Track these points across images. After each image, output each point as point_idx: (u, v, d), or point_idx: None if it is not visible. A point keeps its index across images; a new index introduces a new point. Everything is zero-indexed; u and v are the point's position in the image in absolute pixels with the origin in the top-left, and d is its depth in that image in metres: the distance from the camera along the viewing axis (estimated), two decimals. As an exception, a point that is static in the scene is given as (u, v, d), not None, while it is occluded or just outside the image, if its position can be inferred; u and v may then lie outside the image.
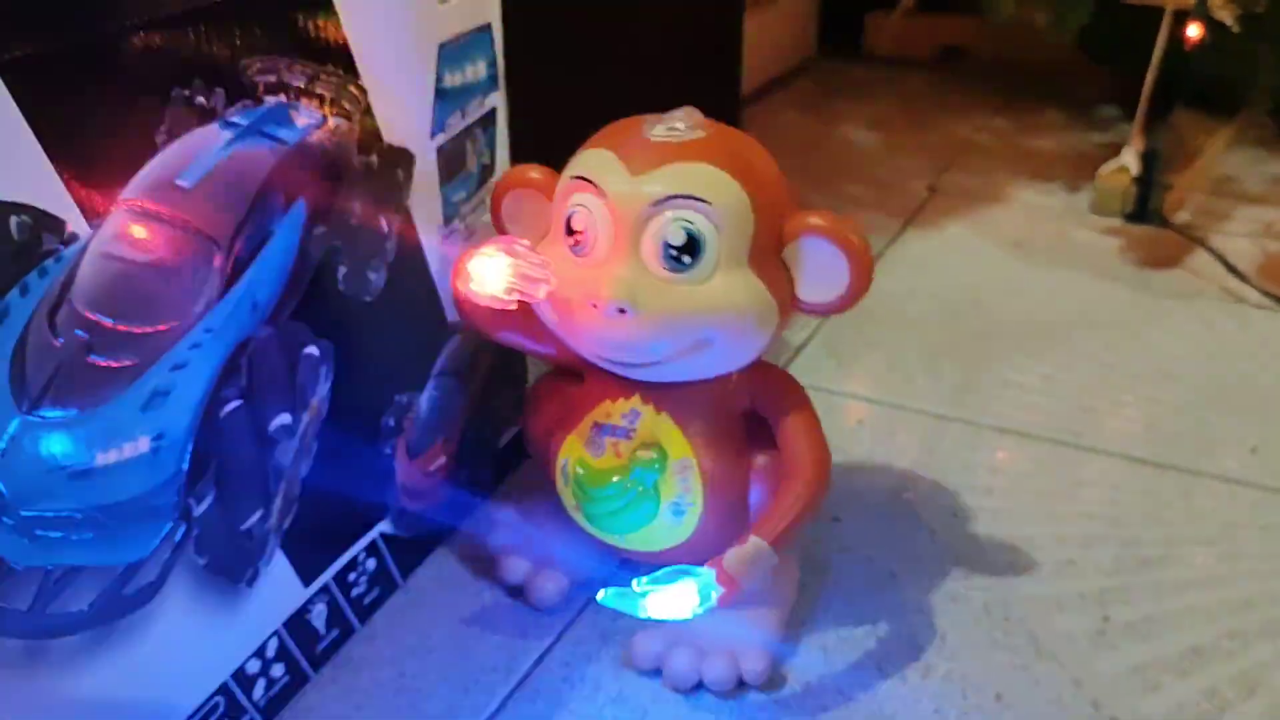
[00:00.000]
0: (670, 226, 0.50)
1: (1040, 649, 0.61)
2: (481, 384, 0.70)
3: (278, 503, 0.55)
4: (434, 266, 0.63)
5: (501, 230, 0.60)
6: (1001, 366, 0.87)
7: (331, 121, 0.53)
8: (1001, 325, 0.93)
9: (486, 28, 0.63)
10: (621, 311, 0.51)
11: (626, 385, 0.57)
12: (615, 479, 0.56)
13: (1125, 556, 0.67)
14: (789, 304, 0.53)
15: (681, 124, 0.53)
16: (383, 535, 0.63)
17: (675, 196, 0.50)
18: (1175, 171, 1.14)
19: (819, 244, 0.51)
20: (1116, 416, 0.80)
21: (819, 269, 0.52)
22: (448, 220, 0.63)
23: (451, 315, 0.65)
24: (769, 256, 0.52)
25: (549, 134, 0.70)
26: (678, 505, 0.56)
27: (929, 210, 1.16)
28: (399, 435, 0.63)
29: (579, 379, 0.60)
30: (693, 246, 0.50)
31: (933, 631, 0.62)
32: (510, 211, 0.60)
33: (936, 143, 1.34)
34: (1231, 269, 0.98)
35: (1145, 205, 1.03)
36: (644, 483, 0.56)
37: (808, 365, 0.88)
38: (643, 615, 0.54)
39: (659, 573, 0.53)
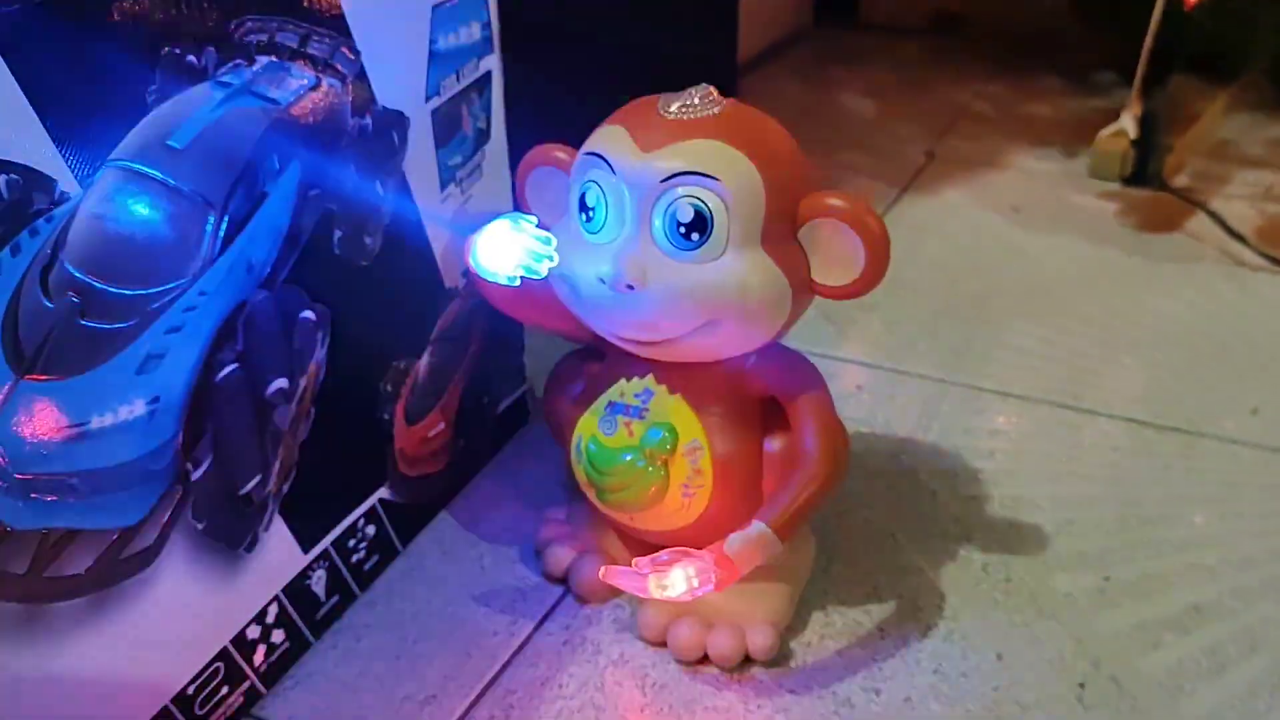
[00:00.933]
0: (679, 203, 0.49)
1: (1041, 608, 0.61)
2: (478, 351, 0.70)
3: (276, 468, 0.54)
4: (430, 231, 0.62)
5: (525, 208, 0.60)
6: (1001, 330, 0.87)
7: (324, 83, 0.53)
8: (1000, 289, 0.93)
9: (480, -11, 0.63)
10: (630, 288, 0.50)
11: (641, 365, 0.56)
12: (626, 458, 0.56)
13: (1126, 517, 0.67)
14: (804, 286, 0.52)
15: (697, 100, 0.52)
16: (382, 501, 0.63)
17: (684, 173, 0.49)
18: (1173, 136, 1.13)
19: (835, 227, 0.50)
20: (1116, 379, 0.80)
21: (835, 252, 0.51)
22: (444, 185, 0.63)
23: (448, 281, 0.65)
24: (784, 237, 0.51)
25: (545, 100, 0.70)
26: (687, 486, 0.55)
27: (926, 176, 1.15)
28: (397, 401, 0.63)
29: (599, 358, 0.60)
30: (702, 224, 0.49)
31: (933, 592, 0.62)
32: (535, 189, 0.60)
33: (933, 109, 1.33)
34: (1230, 231, 0.97)
35: (1144, 168, 1.02)
36: (654, 462, 0.55)
37: (805, 331, 0.87)
38: (643, 595, 0.54)
39: (660, 553, 0.53)
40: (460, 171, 0.64)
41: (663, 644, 0.58)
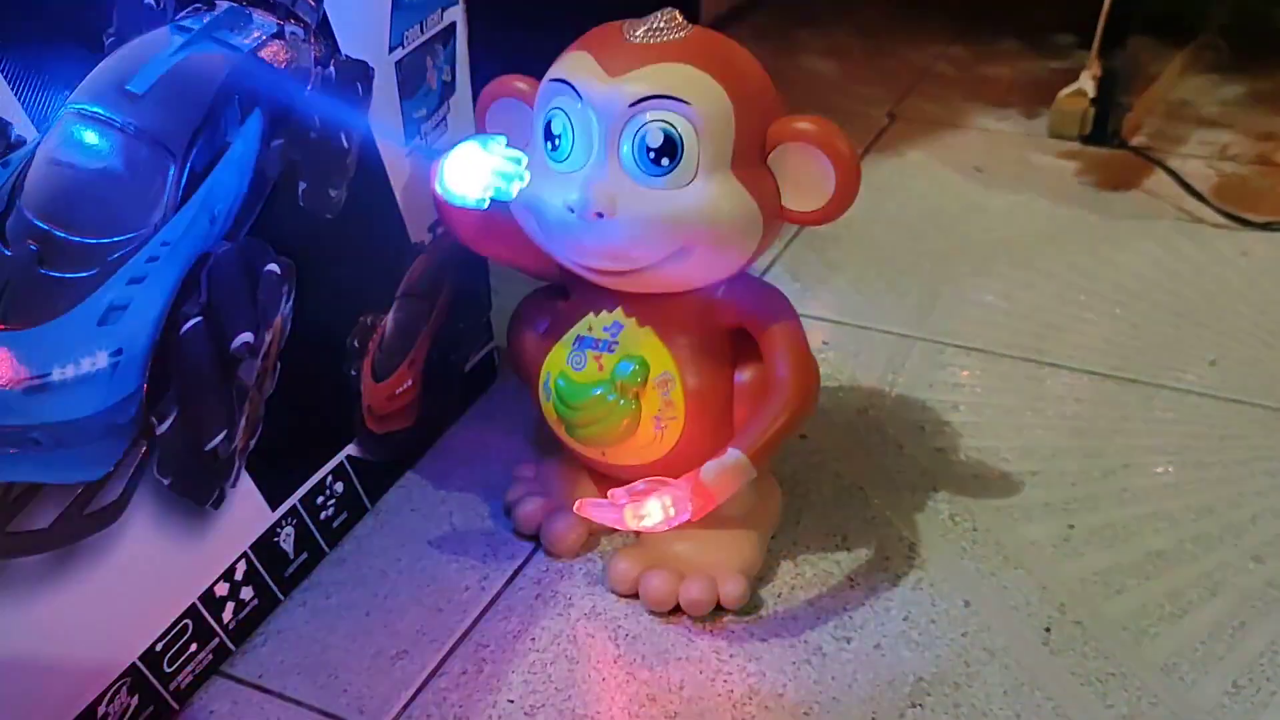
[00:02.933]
0: (648, 128, 0.49)
1: (1007, 557, 0.61)
2: (445, 307, 0.69)
3: (242, 423, 0.54)
4: (396, 184, 0.61)
5: None
6: (964, 286, 0.87)
7: (287, 31, 0.52)
8: (963, 246, 0.93)
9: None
10: (599, 216, 0.50)
11: (609, 298, 0.56)
12: (596, 392, 0.56)
13: (1089, 467, 0.68)
14: (775, 212, 0.52)
15: (663, 24, 0.51)
16: (350, 458, 0.63)
17: (653, 97, 0.49)
18: (1132, 96, 1.14)
19: (804, 150, 0.50)
20: (1078, 333, 0.81)
21: (805, 176, 0.50)
22: (409, 137, 0.62)
23: (414, 235, 0.64)
24: (753, 162, 0.50)
25: (510, 54, 0.68)
26: (659, 418, 0.55)
27: (889, 137, 1.15)
28: (364, 357, 0.62)
29: (564, 294, 0.59)
30: (671, 149, 0.49)
31: (901, 543, 0.62)
32: (495, 122, 0.58)
33: (895, 71, 1.33)
34: (1189, 188, 0.98)
35: (1103, 127, 1.03)
36: (624, 399, 0.55)
37: (772, 289, 0.88)
38: (619, 527, 0.54)
39: (636, 484, 0.53)
40: (425, 124, 0.63)
41: (634, 596, 0.58)
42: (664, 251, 0.51)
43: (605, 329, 0.56)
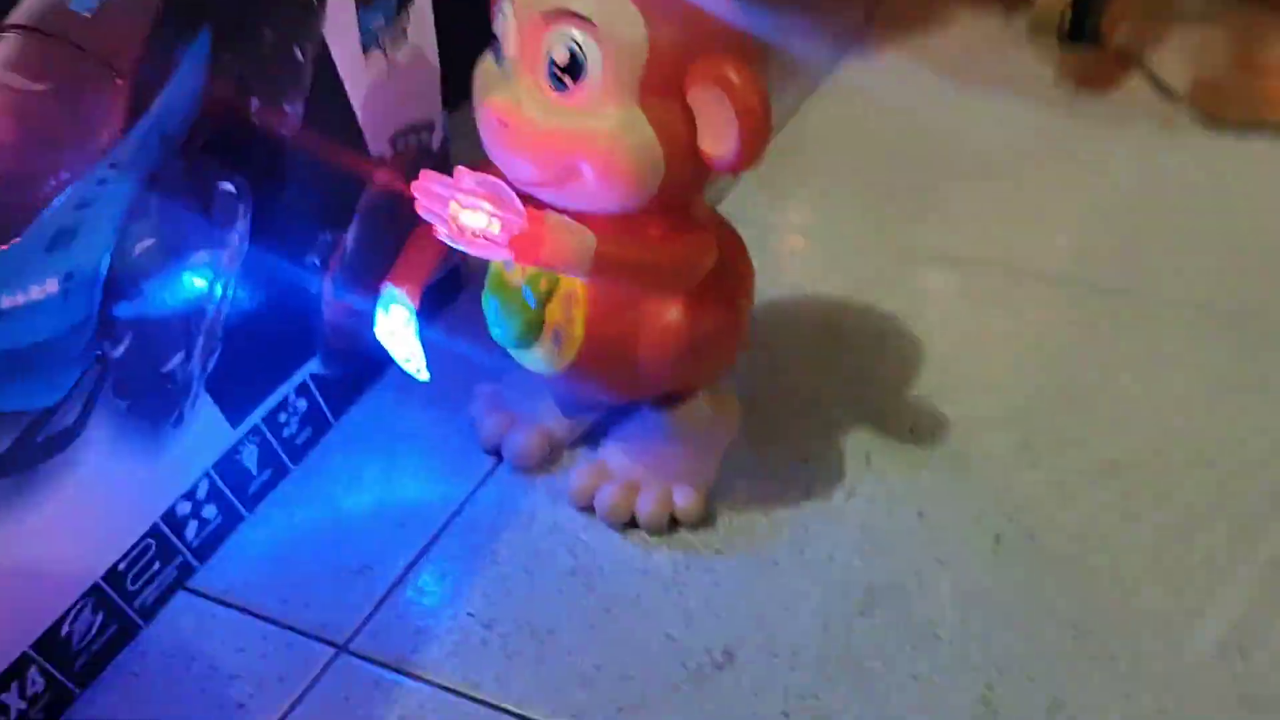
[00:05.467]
0: (556, 43, 0.48)
1: (962, 467, 0.62)
2: (409, 217, 0.68)
3: (199, 343, 0.54)
4: (354, 98, 0.61)
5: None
6: (935, 196, 0.87)
7: (230, -58, 0.51)
8: (936, 155, 0.93)
9: None
10: (503, 125, 0.49)
11: (544, 208, 0.55)
12: (512, 296, 0.56)
13: (1051, 378, 0.69)
14: (685, 151, 0.49)
15: None
16: (313, 376, 0.63)
17: (564, 12, 0.47)
18: (1112, -3, 1.12)
19: (714, 95, 0.48)
20: (1048, 243, 0.81)
21: (714, 122, 0.48)
22: (366, 49, 0.61)
23: (374, 148, 0.64)
24: (669, 96, 0.48)
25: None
26: (558, 332, 0.55)
27: (866, 40, 1.13)
28: (325, 273, 0.62)
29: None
30: (575, 67, 0.48)
31: (860, 455, 0.63)
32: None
33: (876, -32, 1.30)
34: (1164, 90, 0.97)
35: (1081, 26, 1.01)
36: (530, 303, 0.55)
37: (741, 198, 0.87)
38: (439, 213, 0.49)
39: (481, 178, 0.48)
40: (384, 35, 0.62)
41: (591, 509, 0.59)
42: (553, 169, 0.50)
43: None
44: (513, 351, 0.58)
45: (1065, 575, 0.56)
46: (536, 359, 0.57)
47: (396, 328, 0.57)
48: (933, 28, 1.15)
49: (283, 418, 0.61)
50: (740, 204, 0.86)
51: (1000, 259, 0.79)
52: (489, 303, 0.58)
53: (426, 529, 0.59)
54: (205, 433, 0.56)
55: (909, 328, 0.73)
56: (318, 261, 0.61)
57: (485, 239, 0.48)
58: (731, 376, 0.65)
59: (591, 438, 0.64)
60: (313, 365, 0.63)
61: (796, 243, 0.82)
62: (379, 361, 0.69)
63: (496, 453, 0.63)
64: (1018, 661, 0.52)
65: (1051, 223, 0.83)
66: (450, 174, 0.49)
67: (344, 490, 0.62)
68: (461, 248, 0.49)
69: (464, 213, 0.48)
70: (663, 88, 0.48)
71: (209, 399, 0.55)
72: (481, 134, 0.53)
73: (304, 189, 0.59)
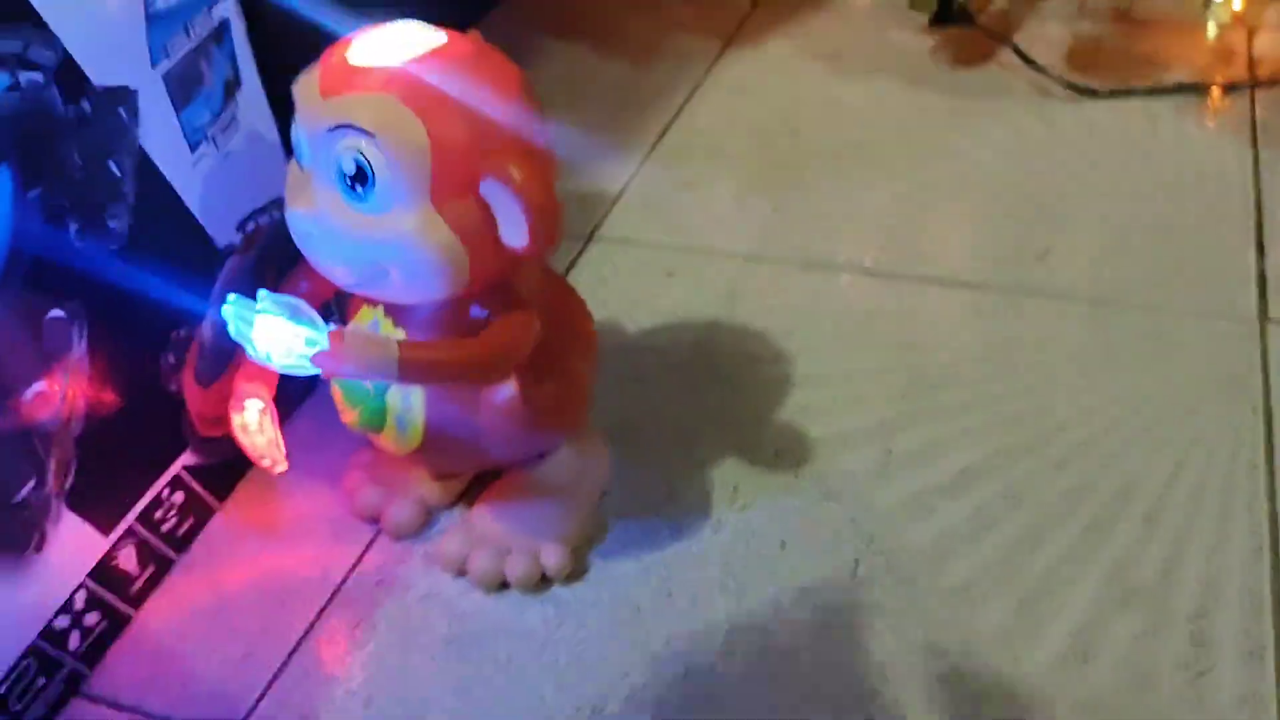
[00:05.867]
0: (342, 155, 0.49)
1: (825, 490, 0.64)
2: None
3: (52, 467, 0.55)
4: (189, 197, 0.62)
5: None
6: (809, 196, 0.88)
7: (21, 79, 0.51)
8: (812, 150, 0.94)
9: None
10: (308, 234, 0.51)
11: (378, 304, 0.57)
12: (354, 386, 0.58)
13: (912, 385, 0.70)
14: (487, 242, 0.51)
15: (390, 43, 0.51)
16: (186, 468, 0.65)
17: (344, 126, 0.48)
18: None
19: (500, 191, 0.49)
20: (916, 239, 0.82)
21: (506, 214, 0.50)
22: (194, 146, 0.62)
23: (220, 239, 0.65)
24: (461, 192, 0.50)
25: (297, 36, 0.67)
26: (401, 417, 0.57)
27: (750, 26, 1.14)
28: (183, 369, 0.63)
29: None
30: (363, 177, 0.49)
31: (727, 485, 0.65)
32: None
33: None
34: (1033, 65, 0.98)
35: (948, 5, 1.01)
36: (375, 391, 0.57)
37: (623, 217, 0.88)
38: (247, 335, 0.50)
39: (282, 298, 0.50)
40: (212, 129, 0.63)
41: (464, 574, 0.61)
42: (361, 271, 0.52)
43: (368, 325, 0.57)
44: (365, 434, 0.60)
45: (919, 596, 0.58)
46: (386, 442, 0.59)
47: (252, 422, 0.59)
48: (816, 10, 1.15)
49: (159, 514, 0.63)
50: (623, 223, 0.87)
51: (869, 261, 0.80)
52: (335, 391, 0.59)
53: (308, 608, 0.61)
54: (74, 546, 0.58)
55: (779, 345, 0.74)
56: (174, 359, 0.63)
57: (292, 356, 0.49)
58: (595, 423, 0.67)
59: (468, 494, 0.66)
60: (185, 457, 0.64)
61: (673, 261, 0.83)
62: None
63: (375, 519, 0.65)
64: (870, 690, 0.54)
65: (920, 216, 0.84)
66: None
67: (229, 574, 0.64)
68: (271, 366, 0.50)
69: (268, 333, 0.49)
70: (455, 187, 0.49)
71: (72, 514, 0.57)
72: (294, 239, 0.54)
73: (147, 294, 0.60)
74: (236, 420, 0.59)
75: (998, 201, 0.85)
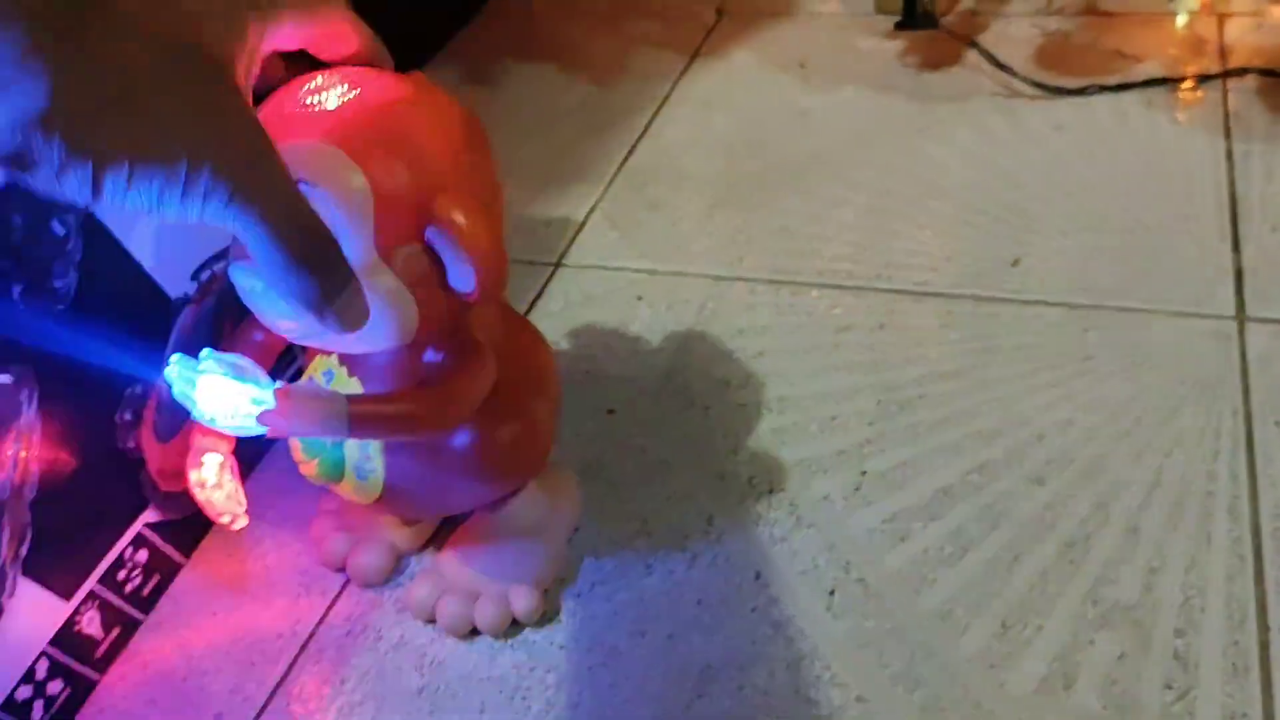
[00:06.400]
0: None
1: (800, 517, 0.63)
2: (232, 345, 0.69)
3: (5, 536, 0.54)
4: (137, 248, 0.60)
5: None
6: (774, 213, 0.87)
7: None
8: (778, 164, 0.92)
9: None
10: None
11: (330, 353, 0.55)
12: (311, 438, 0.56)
13: (884, 403, 0.69)
14: (435, 288, 0.49)
15: (327, 88, 0.48)
16: (149, 525, 0.63)
17: None
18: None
19: (443, 237, 0.47)
20: (883, 250, 0.81)
21: (452, 260, 0.48)
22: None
23: (173, 291, 0.64)
24: (406, 240, 0.48)
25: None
26: (360, 467, 0.55)
27: (716, 37, 1.13)
28: (140, 426, 0.62)
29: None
30: None
31: (700, 517, 0.64)
32: None
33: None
34: (999, 65, 0.97)
35: (912, 8, 1.00)
36: (331, 443, 0.55)
37: (590, 241, 0.87)
38: (190, 396, 0.47)
39: (226, 356, 0.48)
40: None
41: (433, 621, 0.60)
42: (306, 326, 0.48)
43: (322, 374, 0.55)
44: (324, 485, 0.59)
45: (896, 625, 0.57)
46: (347, 492, 0.57)
47: (210, 477, 0.58)
48: (782, 18, 1.14)
49: (122, 575, 0.62)
50: (590, 248, 0.86)
51: (839, 275, 0.79)
52: (293, 443, 0.58)
53: (276, 664, 0.60)
54: (33, 615, 0.56)
55: (750, 368, 0.73)
56: (131, 416, 0.61)
57: (236, 417, 0.48)
58: (566, 458, 0.66)
59: (437, 538, 0.65)
60: (147, 514, 0.63)
61: (642, 285, 0.82)
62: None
63: (343, 568, 0.64)
64: (848, 725, 0.53)
65: (887, 227, 0.83)
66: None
67: (197, 633, 0.63)
68: (218, 428, 0.49)
69: (212, 394, 0.48)
70: (399, 235, 0.47)
71: (28, 582, 0.56)
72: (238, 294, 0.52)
73: (99, 353, 0.59)
74: (193, 476, 0.57)
75: (968, 207, 0.84)
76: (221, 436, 0.58)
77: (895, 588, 0.58)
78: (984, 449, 0.65)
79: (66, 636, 0.58)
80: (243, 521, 0.58)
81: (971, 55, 1.01)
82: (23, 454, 0.55)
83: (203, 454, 0.57)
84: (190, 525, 0.67)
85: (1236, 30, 0.99)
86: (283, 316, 0.50)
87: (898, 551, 0.60)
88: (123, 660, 0.62)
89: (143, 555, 0.63)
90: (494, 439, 0.55)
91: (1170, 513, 0.60)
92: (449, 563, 0.61)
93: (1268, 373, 0.67)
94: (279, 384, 0.48)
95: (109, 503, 0.61)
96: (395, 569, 0.64)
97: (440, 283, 0.49)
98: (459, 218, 0.47)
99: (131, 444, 0.62)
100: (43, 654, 0.57)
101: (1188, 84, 0.93)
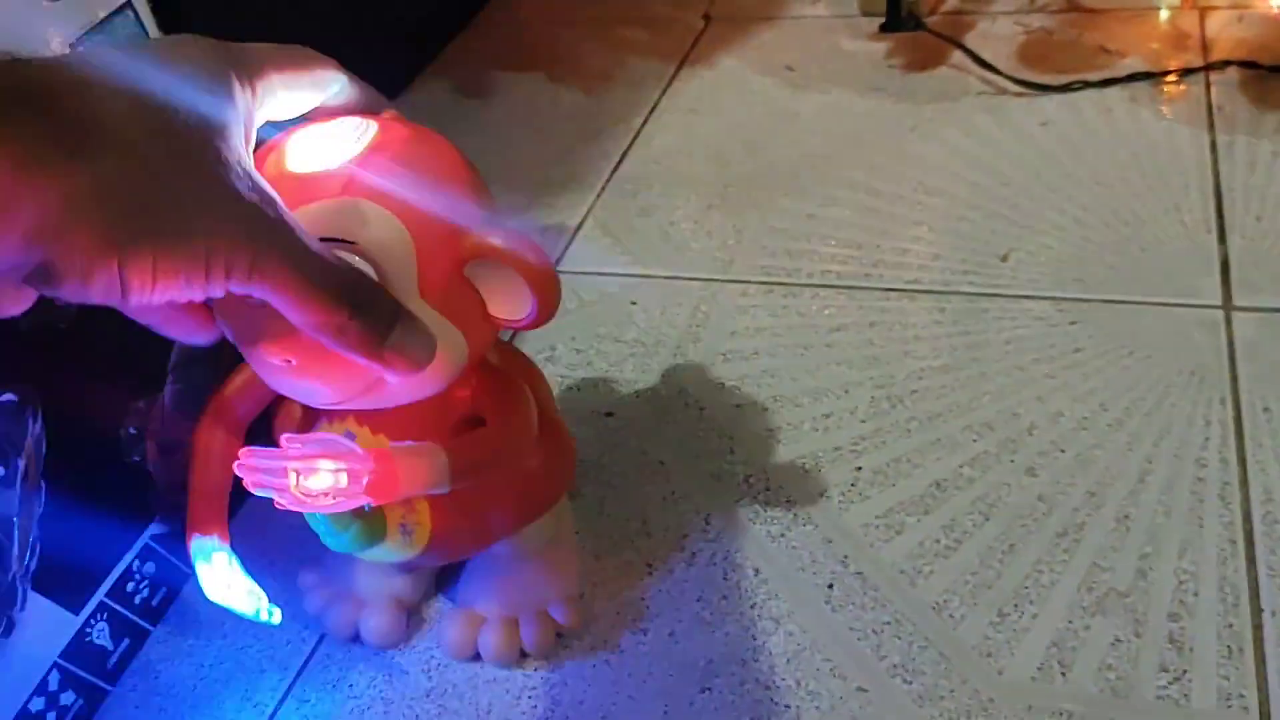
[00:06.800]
0: None
1: (796, 514, 0.64)
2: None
3: (15, 551, 0.55)
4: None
5: None
6: (767, 214, 0.88)
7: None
8: (769, 166, 0.93)
9: (126, 7, 0.60)
10: (288, 363, 0.46)
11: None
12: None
13: (879, 399, 0.70)
14: (481, 322, 0.48)
15: (320, 143, 0.46)
16: (155, 537, 0.64)
17: (323, 240, 0.42)
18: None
19: (496, 269, 0.46)
20: (876, 248, 0.82)
21: (503, 289, 0.47)
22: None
23: (174, 305, 0.64)
24: (448, 280, 0.46)
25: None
26: (405, 525, 0.53)
27: (703, 44, 1.14)
28: (146, 439, 0.63)
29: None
30: None
31: (699, 515, 0.65)
32: None
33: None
34: (983, 64, 0.98)
35: (896, 10, 1.01)
36: (368, 508, 0.51)
37: (584, 249, 0.88)
38: (281, 495, 0.46)
39: (311, 437, 0.46)
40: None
41: (477, 657, 0.59)
42: (355, 388, 0.47)
43: (343, 437, 0.50)
44: (353, 553, 0.55)
45: (894, 616, 0.58)
46: (383, 554, 0.55)
47: (221, 576, 0.54)
48: (768, 22, 1.15)
49: (131, 586, 0.62)
50: (584, 255, 0.87)
51: (830, 275, 0.80)
52: (315, 518, 0.52)
53: (286, 670, 0.61)
54: (44, 628, 0.57)
55: (744, 368, 0.74)
56: (135, 430, 0.62)
57: (336, 496, 0.46)
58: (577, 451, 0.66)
59: (442, 580, 0.64)
60: (154, 527, 0.64)
61: (636, 290, 0.82)
62: (231, 499, 0.70)
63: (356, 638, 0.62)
64: (851, 716, 0.54)
65: (879, 225, 0.84)
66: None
67: (205, 642, 0.63)
68: (311, 512, 0.48)
69: (307, 479, 0.45)
70: (441, 276, 0.46)
71: (38, 596, 0.57)
72: (260, 375, 0.49)
73: (101, 369, 0.60)
74: (208, 578, 0.54)
75: (957, 204, 0.85)
76: (220, 528, 0.55)
77: (892, 580, 0.59)
78: (977, 442, 0.66)
79: (77, 648, 0.59)
80: (278, 617, 0.55)
81: (956, 54, 1.02)
82: (30, 470, 0.56)
83: (211, 554, 0.54)
84: (196, 537, 0.67)
85: (1218, 24, 1.00)
86: (328, 385, 0.47)
87: (894, 544, 0.61)
88: (133, 671, 0.63)
89: (150, 567, 0.64)
90: (540, 456, 0.55)
91: (1162, 500, 0.61)
92: (478, 597, 0.60)
93: (1255, 360, 0.68)
94: (359, 449, 0.46)
95: (117, 516, 0.62)
96: (407, 625, 0.62)
97: (484, 318, 0.49)
98: (501, 243, 0.46)
99: (137, 457, 0.63)
100: (54, 666, 0.58)
101: (1171, 78, 0.94)
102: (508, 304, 0.48)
